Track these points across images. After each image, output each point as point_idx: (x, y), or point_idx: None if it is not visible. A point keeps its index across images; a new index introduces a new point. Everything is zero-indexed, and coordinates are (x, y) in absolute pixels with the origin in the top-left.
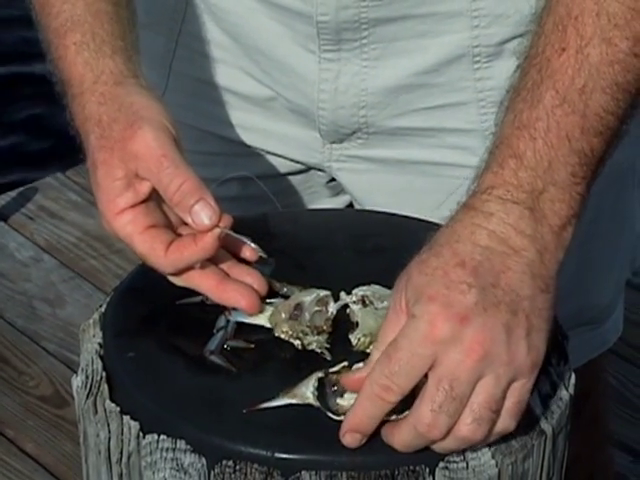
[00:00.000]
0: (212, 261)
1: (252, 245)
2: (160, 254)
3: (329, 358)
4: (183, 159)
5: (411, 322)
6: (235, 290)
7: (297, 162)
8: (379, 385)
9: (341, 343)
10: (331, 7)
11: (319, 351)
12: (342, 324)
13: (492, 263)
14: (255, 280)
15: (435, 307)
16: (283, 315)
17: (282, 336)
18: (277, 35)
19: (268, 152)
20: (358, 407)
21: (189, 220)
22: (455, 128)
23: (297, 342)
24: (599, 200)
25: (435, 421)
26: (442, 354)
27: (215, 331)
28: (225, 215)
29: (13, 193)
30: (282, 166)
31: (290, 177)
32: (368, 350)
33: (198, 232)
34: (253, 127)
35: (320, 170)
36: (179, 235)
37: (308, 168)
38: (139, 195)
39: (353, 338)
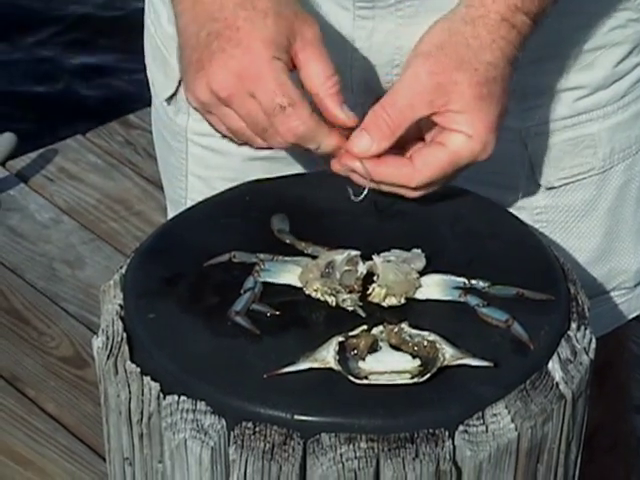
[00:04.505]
0: None
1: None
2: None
3: (363, 315)
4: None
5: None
6: None
7: None
8: None
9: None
10: None
11: (351, 309)
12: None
13: None
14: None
15: None
16: (315, 273)
17: (314, 294)
18: None
19: None
20: None
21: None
22: None
23: (331, 299)
24: (630, 164)
25: None
26: None
27: (242, 292)
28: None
29: (33, 155)
30: None
31: None
32: (383, 303)
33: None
34: None
35: None
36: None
37: None
38: (289, 61)
39: (370, 288)
